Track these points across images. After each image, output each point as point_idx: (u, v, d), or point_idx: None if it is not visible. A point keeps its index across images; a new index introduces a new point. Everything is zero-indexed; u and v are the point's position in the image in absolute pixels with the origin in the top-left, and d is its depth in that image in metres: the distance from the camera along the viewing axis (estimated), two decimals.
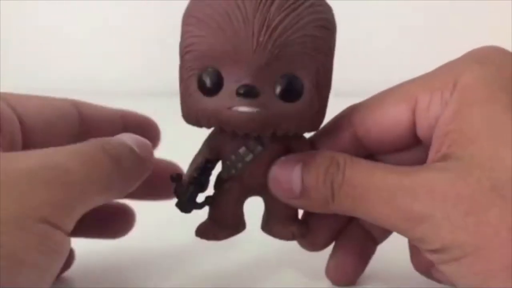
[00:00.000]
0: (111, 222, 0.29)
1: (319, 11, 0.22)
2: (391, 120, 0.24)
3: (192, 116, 0.23)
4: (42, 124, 0.25)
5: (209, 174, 0.25)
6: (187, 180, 0.25)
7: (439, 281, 0.25)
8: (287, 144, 0.24)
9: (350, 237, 0.27)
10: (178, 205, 0.24)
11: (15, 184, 0.18)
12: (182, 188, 0.24)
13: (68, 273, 0.28)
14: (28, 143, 0.25)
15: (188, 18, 0.23)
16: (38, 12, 0.85)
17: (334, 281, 0.27)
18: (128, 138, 0.23)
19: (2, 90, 0.25)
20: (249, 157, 0.24)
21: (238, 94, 0.21)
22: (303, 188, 0.23)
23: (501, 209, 0.19)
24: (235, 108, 0.22)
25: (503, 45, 0.23)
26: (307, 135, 0.25)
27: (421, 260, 0.25)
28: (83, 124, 0.27)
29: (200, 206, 0.25)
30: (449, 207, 0.20)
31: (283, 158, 0.24)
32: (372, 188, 0.22)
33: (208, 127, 0.23)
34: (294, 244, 0.27)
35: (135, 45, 0.86)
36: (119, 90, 0.80)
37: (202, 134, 0.25)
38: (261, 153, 0.24)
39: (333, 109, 0.25)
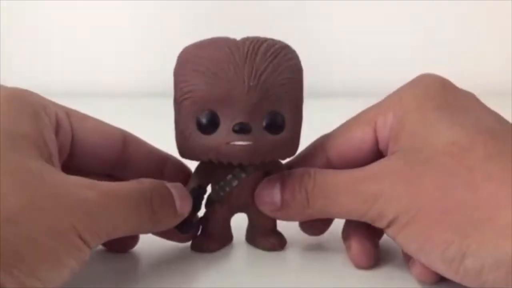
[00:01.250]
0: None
1: (291, 58, 0.27)
2: (358, 141, 0.29)
3: (191, 152, 0.27)
4: (89, 144, 0.29)
5: (202, 198, 0.29)
6: None
7: (417, 277, 0.27)
8: (266, 170, 0.29)
9: (357, 225, 0.30)
10: (178, 227, 0.28)
11: (70, 206, 0.23)
12: None
13: None
14: (72, 155, 0.28)
15: (182, 69, 0.27)
16: (38, 12, 0.86)
17: (359, 264, 0.29)
18: (176, 190, 0.27)
19: None
20: (235, 182, 0.28)
21: (234, 131, 0.26)
22: (282, 200, 0.28)
23: (431, 176, 0.25)
24: (232, 143, 0.26)
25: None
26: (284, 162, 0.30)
27: (405, 258, 0.28)
28: (125, 154, 0.30)
29: (196, 226, 0.29)
30: (395, 181, 0.25)
31: (265, 179, 0.29)
32: (338, 183, 0.27)
33: (206, 160, 0.27)
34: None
35: (135, 46, 0.87)
36: (119, 91, 0.80)
37: None
38: (245, 179, 0.28)
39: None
